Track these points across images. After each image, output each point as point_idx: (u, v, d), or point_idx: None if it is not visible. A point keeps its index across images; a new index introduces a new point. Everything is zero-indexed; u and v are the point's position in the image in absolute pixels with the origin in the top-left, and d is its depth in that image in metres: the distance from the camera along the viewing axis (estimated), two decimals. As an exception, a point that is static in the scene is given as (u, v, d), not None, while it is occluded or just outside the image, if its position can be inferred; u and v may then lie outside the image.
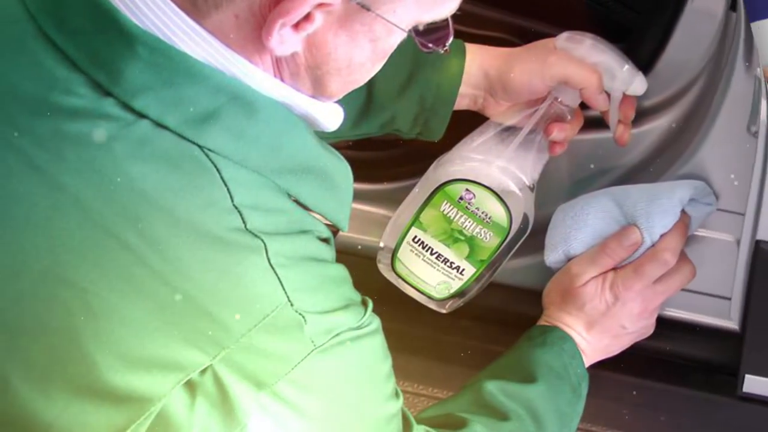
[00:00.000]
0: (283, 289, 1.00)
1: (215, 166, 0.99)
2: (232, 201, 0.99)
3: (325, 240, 1.08)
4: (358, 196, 1.22)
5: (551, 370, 1.34)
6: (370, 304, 1.12)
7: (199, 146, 0.99)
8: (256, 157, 1.01)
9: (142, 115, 0.98)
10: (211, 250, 0.98)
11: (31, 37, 1.00)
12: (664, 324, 1.45)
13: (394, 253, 1.41)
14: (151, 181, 0.97)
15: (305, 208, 1.06)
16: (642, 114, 1.49)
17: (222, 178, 0.99)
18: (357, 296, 1.12)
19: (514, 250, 1.40)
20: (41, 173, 0.97)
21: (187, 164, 0.98)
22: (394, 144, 1.64)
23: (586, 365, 1.39)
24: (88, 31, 0.99)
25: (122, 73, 0.98)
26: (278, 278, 1.00)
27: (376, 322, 1.12)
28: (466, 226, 1.37)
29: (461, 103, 1.45)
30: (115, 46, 0.98)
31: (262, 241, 1.00)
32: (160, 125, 0.98)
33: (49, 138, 0.98)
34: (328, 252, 1.09)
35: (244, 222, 0.99)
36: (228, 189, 0.99)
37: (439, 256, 1.39)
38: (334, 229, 1.11)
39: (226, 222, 0.99)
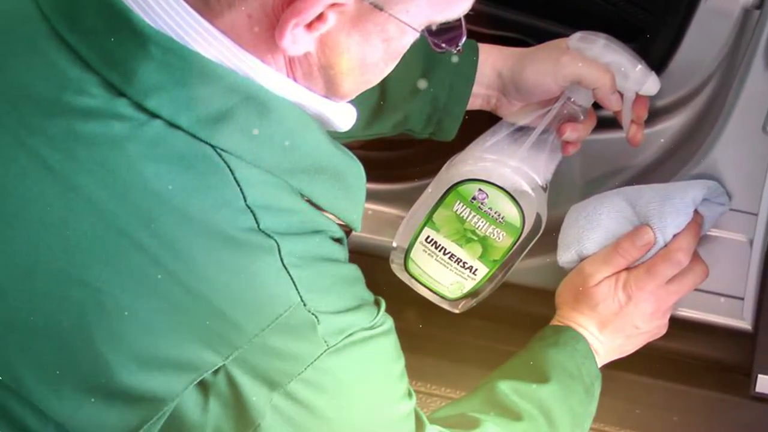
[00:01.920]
0: (296, 289, 1.00)
1: (228, 166, 0.99)
2: (245, 201, 0.99)
3: (338, 240, 1.08)
4: (371, 196, 1.22)
5: (564, 370, 1.34)
6: (383, 304, 1.12)
7: (212, 146, 0.99)
8: (269, 157, 1.01)
9: (155, 115, 0.98)
10: (224, 250, 0.98)
11: (43, 38, 1.00)
12: (677, 324, 1.45)
13: (407, 253, 1.41)
14: (164, 181, 0.97)
15: (318, 208, 1.06)
16: (655, 114, 1.49)
17: (235, 178, 0.99)
18: (370, 296, 1.12)
19: (527, 250, 1.40)
20: (54, 174, 0.98)
21: (200, 164, 0.98)
22: (407, 144, 1.64)
23: (599, 365, 1.39)
24: (101, 31, 0.99)
25: (135, 73, 0.98)
26: (291, 278, 1.00)
27: (389, 322, 1.12)
28: (479, 226, 1.36)
29: (474, 103, 1.45)
30: (128, 47, 0.98)
31: (275, 241, 1.00)
32: (173, 125, 0.98)
33: (62, 138, 0.98)
34: (341, 252, 1.09)
35: (257, 222, 0.99)
36: (241, 189, 0.99)
37: (452, 256, 1.39)
38: (347, 229, 1.11)
39: (239, 222, 0.99)
